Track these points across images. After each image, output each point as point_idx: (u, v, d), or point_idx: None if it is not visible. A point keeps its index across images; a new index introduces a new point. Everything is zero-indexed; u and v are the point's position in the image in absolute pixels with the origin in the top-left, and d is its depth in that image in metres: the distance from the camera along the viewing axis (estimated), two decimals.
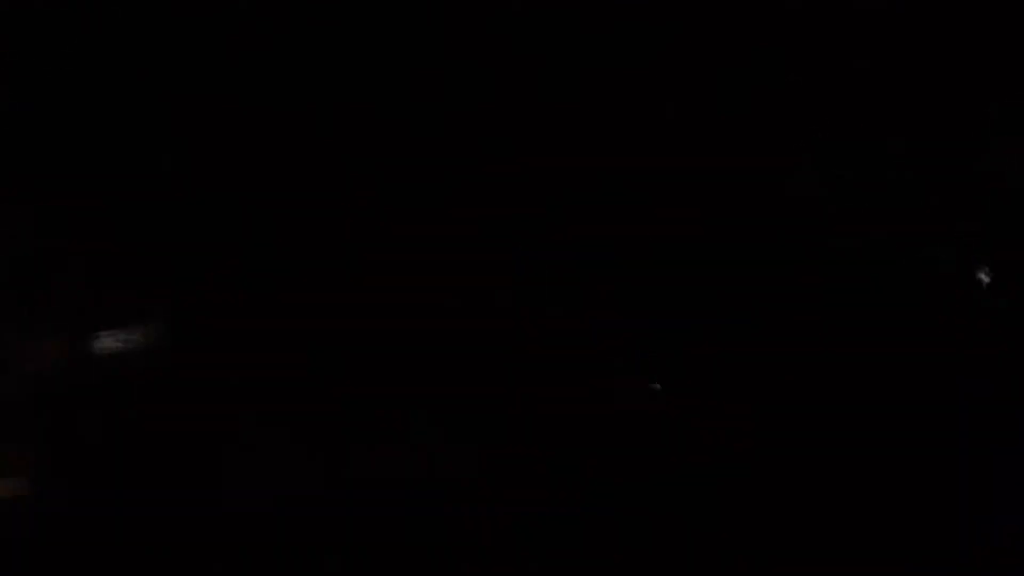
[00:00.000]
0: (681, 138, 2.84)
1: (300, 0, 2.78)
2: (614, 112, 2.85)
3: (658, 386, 2.77)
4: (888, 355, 2.73)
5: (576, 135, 2.86)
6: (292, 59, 2.81)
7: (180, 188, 2.83)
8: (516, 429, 2.81)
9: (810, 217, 2.82)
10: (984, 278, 2.66)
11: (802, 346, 2.79)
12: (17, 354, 2.81)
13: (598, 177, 2.87)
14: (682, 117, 2.84)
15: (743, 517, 2.70)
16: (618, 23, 2.79)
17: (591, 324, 2.89)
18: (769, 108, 2.81)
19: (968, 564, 2.56)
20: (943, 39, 2.69)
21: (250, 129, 2.84)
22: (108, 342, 2.82)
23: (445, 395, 2.81)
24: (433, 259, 2.85)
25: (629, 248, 2.87)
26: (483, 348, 2.84)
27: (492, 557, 2.68)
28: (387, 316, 2.82)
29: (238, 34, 2.76)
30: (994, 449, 2.66)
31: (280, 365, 2.81)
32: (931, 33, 2.69)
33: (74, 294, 2.85)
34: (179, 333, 2.84)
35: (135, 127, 2.83)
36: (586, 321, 2.90)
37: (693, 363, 2.85)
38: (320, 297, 2.83)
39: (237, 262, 2.87)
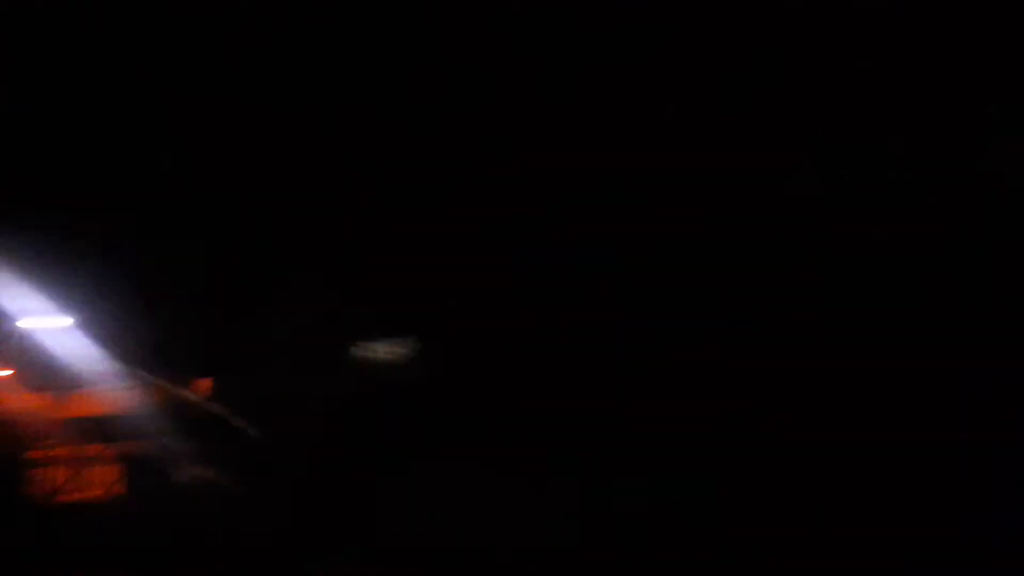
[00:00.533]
0: (681, 138, 2.83)
1: (301, 0, 2.77)
2: (614, 112, 2.85)
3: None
4: (887, 354, 2.73)
5: (576, 135, 2.85)
6: (292, 59, 2.80)
7: None
8: (516, 425, 2.81)
9: (810, 217, 2.82)
10: None
11: (802, 345, 2.78)
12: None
13: (598, 177, 2.87)
14: (682, 117, 2.83)
15: (743, 516, 2.70)
16: (618, 23, 2.78)
17: (591, 324, 2.89)
18: (769, 108, 2.80)
19: (968, 564, 2.55)
20: (943, 39, 2.68)
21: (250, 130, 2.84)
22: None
23: (444, 394, 2.80)
24: (432, 259, 2.85)
25: (629, 248, 2.87)
26: (482, 348, 2.84)
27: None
28: (386, 317, 2.82)
29: (238, 34, 2.76)
30: (994, 449, 2.65)
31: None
32: (931, 33, 2.68)
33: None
34: None
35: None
36: (586, 321, 2.89)
37: (693, 361, 2.84)
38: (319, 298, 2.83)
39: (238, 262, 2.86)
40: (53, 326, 3.38)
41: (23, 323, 3.40)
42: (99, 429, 3.59)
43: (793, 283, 2.80)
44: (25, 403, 3.56)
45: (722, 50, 2.80)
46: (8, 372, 3.62)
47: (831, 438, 2.72)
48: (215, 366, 3.46)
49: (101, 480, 3.62)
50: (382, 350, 3.04)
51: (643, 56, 2.82)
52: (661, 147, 2.85)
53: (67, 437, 3.53)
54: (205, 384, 3.49)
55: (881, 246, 2.79)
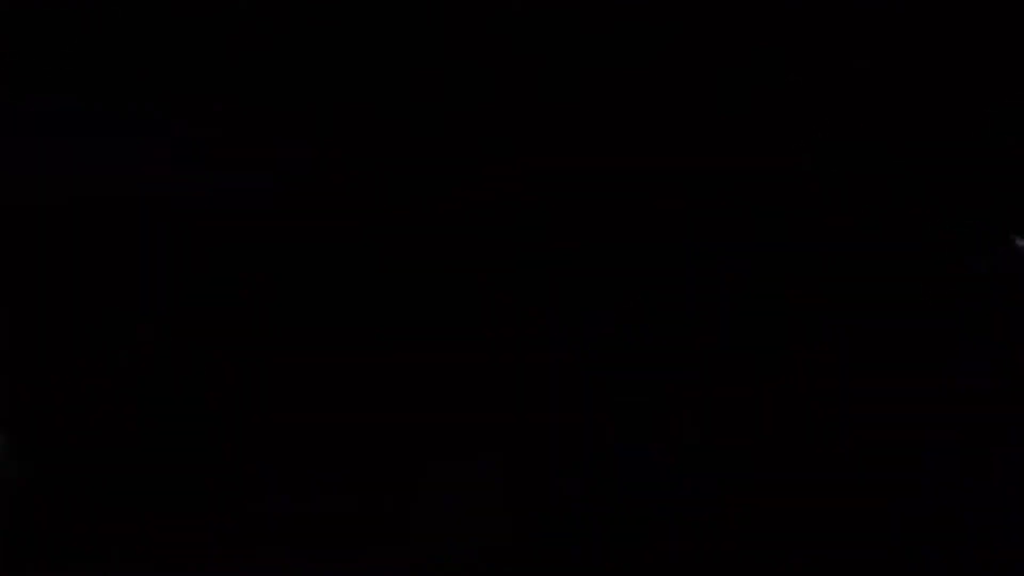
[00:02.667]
0: (681, 138, 2.84)
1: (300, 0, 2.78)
2: (614, 112, 2.85)
3: None
4: (887, 353, 2.74)
5: (576, 135, 2.86)
6: (292, 59, 2.81)
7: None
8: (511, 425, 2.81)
9: (811, 216, 2.83)
10: None
11: (802, 344, 2.79)
12: None
13: (598, 177, 2.87)
14: (682, 117, 2.84)
15: (742, 516, 2.71)
16: (618, 23, 2.79)
17: (590, 324, 2.89)
18: (769, 108, 2.81)
19: (968, 564, 2.56)
20: (943, 39, 2.69)
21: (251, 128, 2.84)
22: None
23: (441, 394, 2.81)
24: (432, 260, 2.85)
25: (629, 248, 2.87)
26: (481, 349, 2.84)
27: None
28: (386, 317, 2.82)
29: (238, 34, 2.77)
30: (994, 448, 2.66)
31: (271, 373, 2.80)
32: (931, 33, 2.69)
33: None
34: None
35: None
36: (585, 321, 2.90)
37: (691, 361, 2.85)
38: (316, 299, 2.83)
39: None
40: None
41: None
42: None
43: (792, 282, 2.81)
44: None
45: (722, 50, 2.81)
46: None
47: (830, 436, 2.73)
48: None
49: None
50: None
51: (643, 56, 2.83)
52: (661, 147, 2.86)
53: None
54: None
55: (880, 245, 2.81)
